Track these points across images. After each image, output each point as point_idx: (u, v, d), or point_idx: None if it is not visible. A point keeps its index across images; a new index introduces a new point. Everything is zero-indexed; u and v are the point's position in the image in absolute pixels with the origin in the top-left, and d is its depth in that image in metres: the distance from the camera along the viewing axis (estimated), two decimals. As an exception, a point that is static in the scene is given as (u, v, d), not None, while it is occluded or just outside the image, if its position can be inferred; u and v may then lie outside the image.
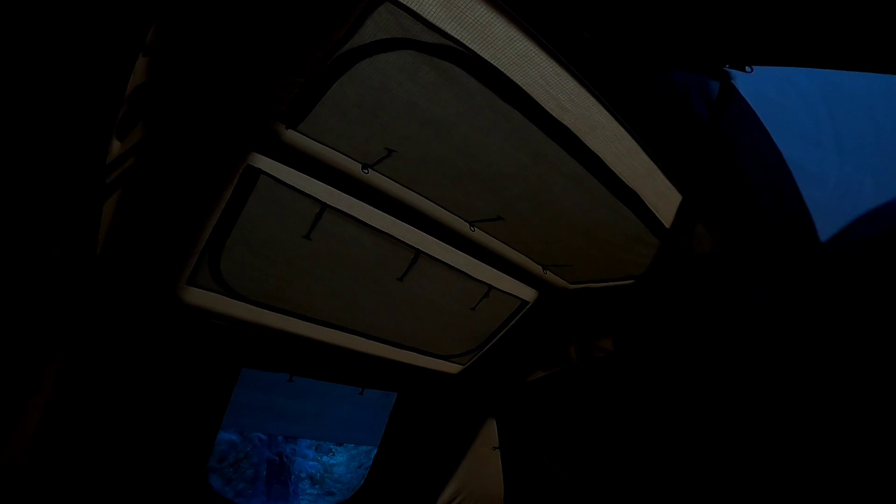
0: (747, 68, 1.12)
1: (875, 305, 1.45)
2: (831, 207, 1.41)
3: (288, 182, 1.98)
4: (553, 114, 1.76)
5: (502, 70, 1.61)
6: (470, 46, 1.53)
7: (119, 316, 2.16)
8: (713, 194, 1.79)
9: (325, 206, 2.10)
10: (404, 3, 1.39)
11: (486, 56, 1.57)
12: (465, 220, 2.35)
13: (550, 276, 2.77)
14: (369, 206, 2.17)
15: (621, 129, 1.75)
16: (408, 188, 2.13)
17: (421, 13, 1.42)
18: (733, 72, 1.20)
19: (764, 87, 1.24)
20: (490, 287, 2.76)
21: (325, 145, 1.89)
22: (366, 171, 2.01)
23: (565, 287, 2.89)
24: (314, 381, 2.88)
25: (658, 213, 2.19)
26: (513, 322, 2.97)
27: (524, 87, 1.68)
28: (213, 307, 2.32)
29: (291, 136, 1.83)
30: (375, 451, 3.29)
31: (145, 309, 2.21)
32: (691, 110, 1.62)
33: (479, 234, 2.43)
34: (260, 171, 1.88)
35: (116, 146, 1.39)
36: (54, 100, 1.00)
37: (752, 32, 1.04)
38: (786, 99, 1.27)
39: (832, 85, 1.23)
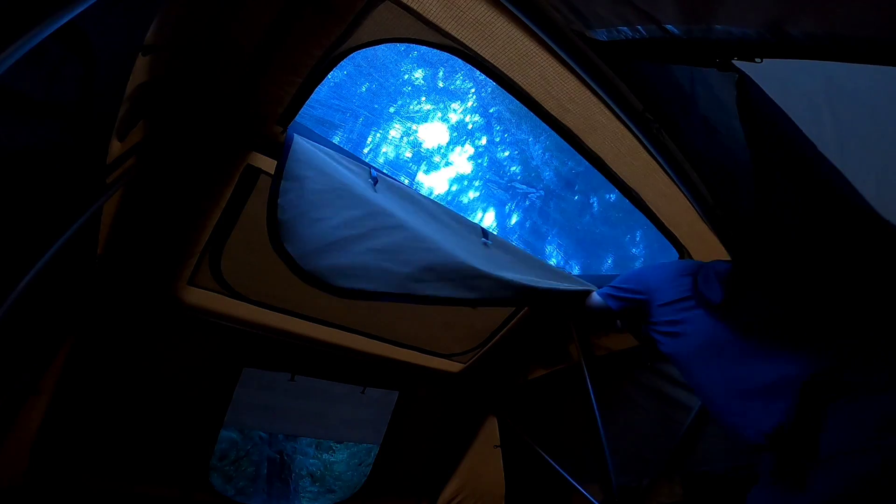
0: (756, 59, 1.10)
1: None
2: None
3: (288, 181, 1.98)
4: (554, 114, 1.76)
5: (503, 70, 1.61)
6: (470, 46, 1.53)
7: (120, 316, 2.16)
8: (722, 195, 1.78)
9: (325, 206, 2.09)
10: (405, 2, 1.39)
11: (486, 55, 1.56)
12: None
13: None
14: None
15: (622, 128, 1.75)
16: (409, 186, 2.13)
17: (421, 12, 1.42)
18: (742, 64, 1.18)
19: (766, 87, 1.23)
20: (491, 286, 2.76)
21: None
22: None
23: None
24: (315, 380, 2.89)
25: (659, 212, 2.19)
26: (514, 320, 2.97)
27: (525, 87, 1.67)
28: (214, 307, 2.32)
29: (292, 135, 1.83)
30: (376, 450, 3.30)
31: (146, 309, 2.21)
32: (694, 106, 1.61)
33: (479, 234, 2.42)
34: (260, 171, 1.88)
35: (117, 146, 1.39)
36: (55, 100, 1.00)
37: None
38: (788, 98, 1.26)
39: (835, 85, 1.22)
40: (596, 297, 2.14)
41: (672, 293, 1.82)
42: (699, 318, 1.70)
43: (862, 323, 1.41)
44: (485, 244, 2.13)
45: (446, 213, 2.12)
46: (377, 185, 1.89)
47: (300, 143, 1.73)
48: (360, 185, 1.78)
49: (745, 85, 1.22)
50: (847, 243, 1.44)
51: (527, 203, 16.20)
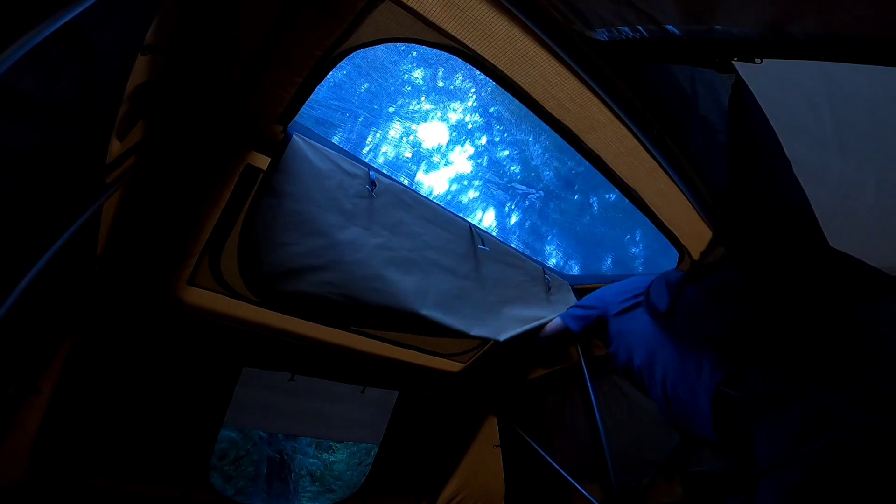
0: (756, 60, 1.10)
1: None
2: (833, 207, 1.41)
3: (288, 181, 1.98)
4: (554, 113, 1.76)
5: (503, 70, 1.61)
6: (470, 45, 1.53)
7: (120, 316, 2.16)
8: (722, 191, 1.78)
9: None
10: (405, 2, 1.39)
11: (486, 55, 1.56)
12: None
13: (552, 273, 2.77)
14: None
15: (622, 128, 1.75)
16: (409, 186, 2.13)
17: (421, 12, 1.42)
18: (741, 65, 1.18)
19: (766, 86, 1.24)
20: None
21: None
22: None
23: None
24: (315, 380, 2.88)
25: (659, 212, 2.19)
26: (513, 321, 2.97)
27: (524, 87, 1.67)
28: (214, 307, 2.32)
29: (292, 135, 1.82)
30: (376, 450, 3.29)
31: (146, 309, 2.21)
32: (695, 107, 1.62)
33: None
34: (260, 171, 1.88)
35: (117, 146, 1.39)
36: (55, 100, 1.00)
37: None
38: (788, 97, 1.26)
39: (835, 84, 1.23)
40: (556, 321, 2.28)
41: (624, 303, 1.89)
42: (645, 326, 1.74)
43: (763, 334, 1.41)
44: (476, 254, 2.23)
45: (438, 222, 2.17)
46: (375, 188, 1.91)
47: (296, 147, 1.74)
48: (344, 203, 1.84)
49: (740, 88, 1.23)
50: (786, 260, 1.47)
51: (526, 203, 16.19)
